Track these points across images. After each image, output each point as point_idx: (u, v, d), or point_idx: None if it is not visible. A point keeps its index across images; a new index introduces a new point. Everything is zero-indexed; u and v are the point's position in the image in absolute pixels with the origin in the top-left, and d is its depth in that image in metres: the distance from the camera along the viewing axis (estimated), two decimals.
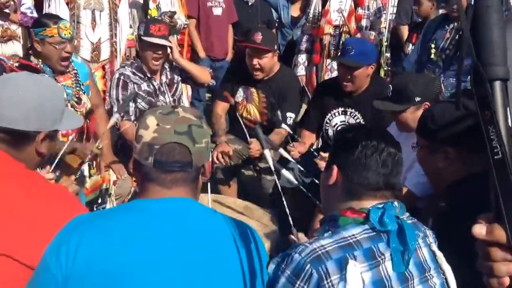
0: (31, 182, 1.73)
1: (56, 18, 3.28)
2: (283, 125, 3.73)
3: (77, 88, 3.41)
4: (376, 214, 1.52)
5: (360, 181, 1.58)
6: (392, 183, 1.59)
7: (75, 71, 3.42)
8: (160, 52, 3.78)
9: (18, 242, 1.53)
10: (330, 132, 3.85)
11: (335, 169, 1.63)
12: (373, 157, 1.57)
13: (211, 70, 4.45)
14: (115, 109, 3.74)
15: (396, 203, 1.57)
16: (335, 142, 1.73)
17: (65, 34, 3.20)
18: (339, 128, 3.78)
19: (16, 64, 3.02)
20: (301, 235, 1.98)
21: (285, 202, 2.63)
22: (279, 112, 3.83)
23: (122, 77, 3.80)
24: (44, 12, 4.29)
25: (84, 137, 3.46)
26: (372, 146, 1.58)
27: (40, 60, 3.25)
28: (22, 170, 1.73)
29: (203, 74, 4.16)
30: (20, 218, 1.56)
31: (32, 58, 3.28)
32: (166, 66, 4.01)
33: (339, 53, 4.07)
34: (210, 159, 3.73)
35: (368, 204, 1.56)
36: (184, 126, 1.52)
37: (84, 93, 3.47)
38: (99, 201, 3.45)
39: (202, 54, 5.76)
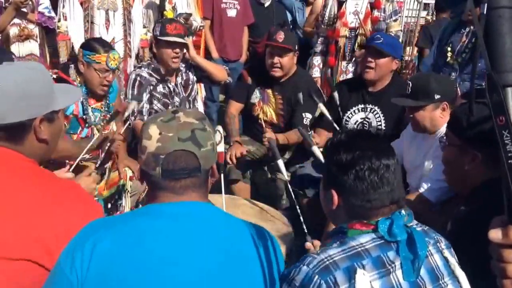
0: (45, 182, 1.70)
1: (107, 47, 3.29)
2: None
3: (106, 111, 3.44)
4: (384, 225, 1.50)
5: (363, 204, 1.53)
6: (396, 199, 1.55)
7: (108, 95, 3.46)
8: (177, 50, 3.81)
9: (39, 246, 1.52)
10: None
11: (334, 195, 1.58)
12: (371, 178, 1.52)
13: (227, 68, 4.45)
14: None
15: (403, 211, 1.54)
16: (328, 163, 1.64)
17: (111, 65, 3.22)
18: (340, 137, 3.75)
19: (54, 76, 3.01)
20: (316, 243, 1.96)
21: (298, 210, 2.61)
22: (300, 95, 3.79)
23: (138, 78, 3.84)
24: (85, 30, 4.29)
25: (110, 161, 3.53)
26: (368, 169, 1.52)
27: (79, 78, 3.28)
28: (34, 168, 1.71)
29: (219, 71, 4.18)
30: (36, 219, 1.55)
31: (70, 72, 3.30)
32: (182, 67, 4.03)
33: (367, 41, 4.07)
34: (229, 156, 3.76)
35: (376, 218, 1.53)
36: (187, 131, 1.51)
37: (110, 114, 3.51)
38: (116, 197, 3.47)
39: (215, 55, 5.78)
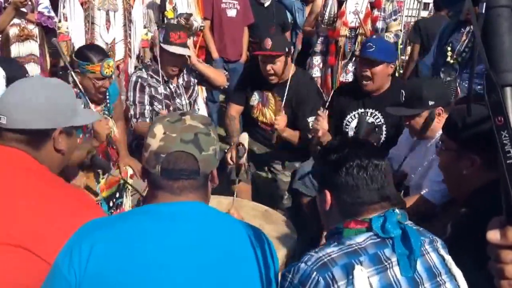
0: (52, 181, 1.77)
1: (102, 55, 3.26)
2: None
3: (106, 114, 3.45)
4: (377, 222, 1.54)
5: (354, 201, 1.59)
6: (387, 196, 1.60)
7: (107, 99, 3.46)
8: (179, 60, 3.82)
9: (36, 236, 1.55)
10: (350, 134, 3.82)
11: (327, 194, 1.64)
12: (360, 175, 1.58)
13: (227, 73, 4.46)
14: (131, 111, 3.80)
15: (397, 210, 1.57)
16: (321, 165, 1.71)
17: (106, 72, 3.21)
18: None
19: None
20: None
21: None
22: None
23: (139, 80, 3.84)
24: (88, 43, 4.25)
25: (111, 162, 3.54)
26: (357, 166, 1.59)
27: (76, 87, 3.28)
28: (44, 171, 1.78)
29: (219, 77, 4.19)
30: (39, 213, 1.59)
31: (69, 79, 3.29)
32: (183, 68, 4.03)
33: (360, 51, 4.06)
34: (229, 156, 3.76)
35: (369, 216, 1.57)
36: (190, 134, 1.53)
37: (111, 117, 3.52)
38: (117, 195, 3.48)
39: (215, 55, 5.79)
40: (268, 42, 3.83)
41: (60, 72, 3.59)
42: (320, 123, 3.57)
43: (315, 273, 1.44)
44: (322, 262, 1.46)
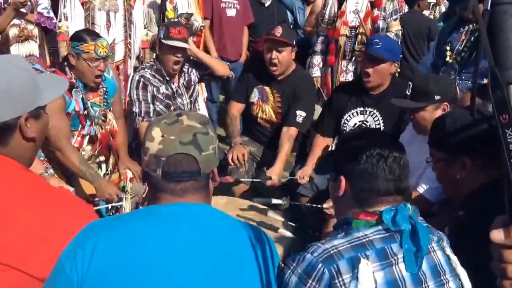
0: (33, 188, 1.62)
1: (94, 35, 3.31)
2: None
3: (105, 106, 3.46)
4: (388, 214, 1.53)
5: (370, 190, 1.59)
6: (402, 188, 1.60)
7: (104, 89, 3.47)
8: (180, 55, 3.82)
9: (24, 253, 1.48)
10: None
11: (342, 180, 1.63)
12: (379, 165, 1.58)
13: (228, 63, 4.46)
14: (135, 109, 3.81)
15: (409, 205, 1.57)
16: (338, 151, 1.72)
17: (100, 52, 3.22)
18: (348, 131, 3.69)
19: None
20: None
21: None
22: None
23: (142, 79, 3.86)
24: (83, 28, 4.23)
25: (111, 153, 3.58)
26: (377, 154, 1.58)
27: (73, 74, 3.28)
28: (25, 174, 1.64)
29: (221, 66, 4.22)
30: (23, 228, 1.50)
31: (67, 69, 3.32)
32: (185, 68, 4.04)
33: (365, 47, 4.07)
34: (230, 157, 3.81)
35: (381, 208, 1.57)
36: (189, 135, 1.52)
37: (110, 110, 3.54)
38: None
39: (214, 54, 5.77)
40: (279, 30, 3.89)
41: (58, 65, 3.61)
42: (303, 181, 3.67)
43: (320, 264, 1.44)
44: (329, 254, 1.46)
